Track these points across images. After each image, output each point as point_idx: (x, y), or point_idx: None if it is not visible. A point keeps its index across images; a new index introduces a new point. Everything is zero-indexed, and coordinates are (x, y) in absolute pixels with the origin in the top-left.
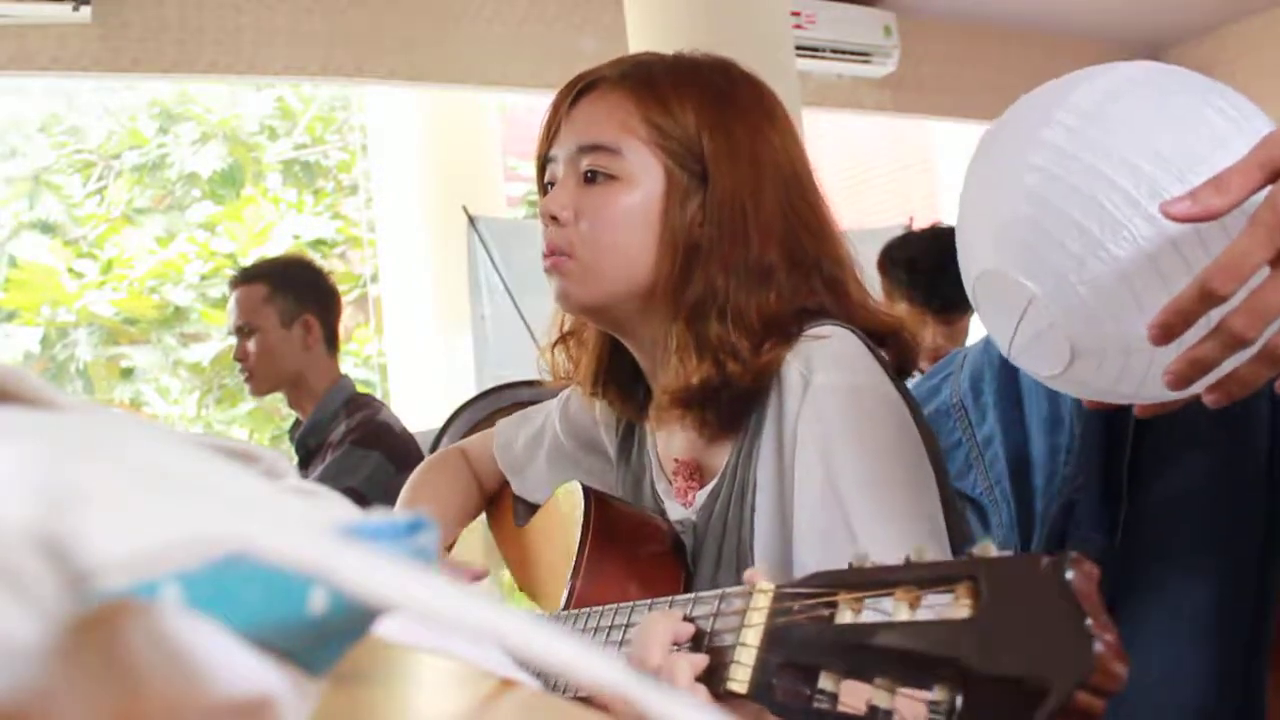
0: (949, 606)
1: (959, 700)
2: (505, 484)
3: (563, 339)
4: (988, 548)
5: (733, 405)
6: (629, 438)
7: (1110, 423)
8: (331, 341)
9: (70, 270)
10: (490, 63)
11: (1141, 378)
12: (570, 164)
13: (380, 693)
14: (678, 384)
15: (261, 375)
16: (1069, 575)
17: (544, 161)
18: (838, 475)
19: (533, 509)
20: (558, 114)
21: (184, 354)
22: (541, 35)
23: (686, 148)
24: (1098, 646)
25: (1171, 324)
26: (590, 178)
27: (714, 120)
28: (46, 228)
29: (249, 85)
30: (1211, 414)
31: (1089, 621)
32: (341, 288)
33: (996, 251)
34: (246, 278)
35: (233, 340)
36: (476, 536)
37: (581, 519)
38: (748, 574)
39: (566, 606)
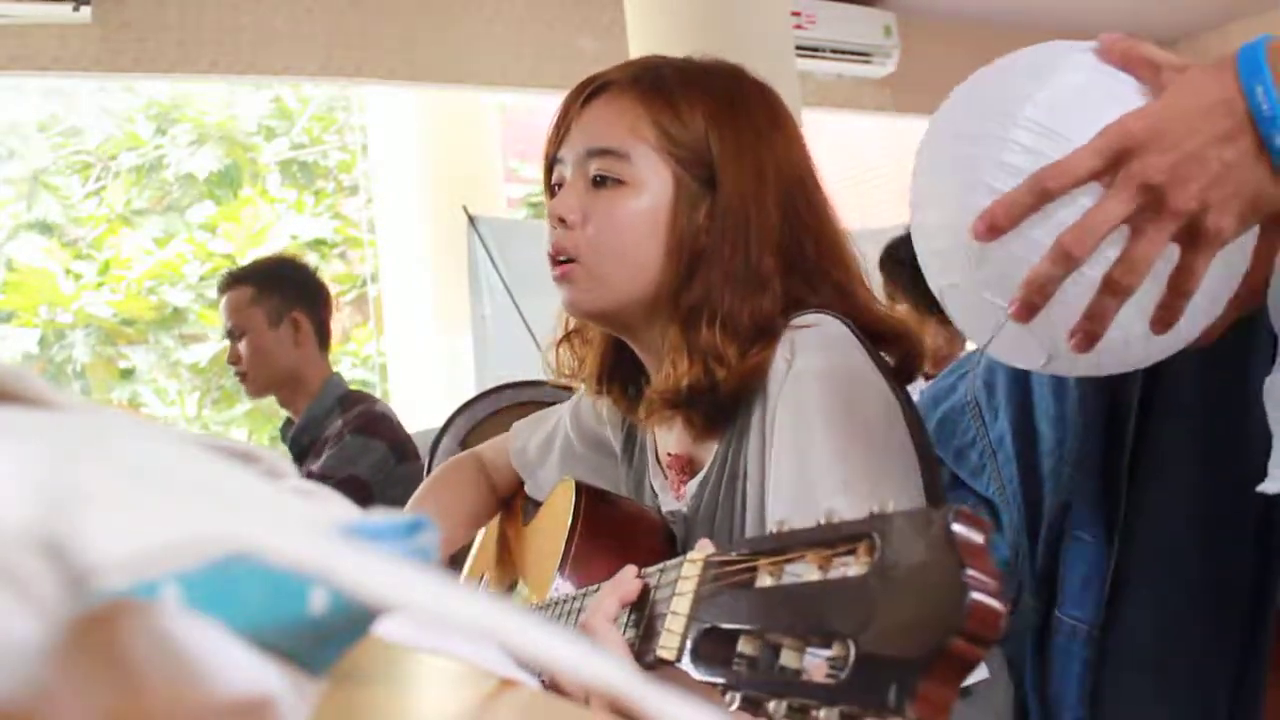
0: (850, 565)
1: (851, 654)
2: (519, 486)
3: (567, 337)
4: (887, 503)
5: (719, 405)
6: (631, 437)
7: (1110, 423)
8: (323, 338)
9: (68, 271)
10: (490, 63)
11: (1120, 359)
12: (579, 167)
13: (380, 693)
14: (667, 385)
15: (256, 377)
16: (954, 527)
17: (551, 162)
18: (809, 458)
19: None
20: (567, 115)
21: (182, 355)
22: (541, 35)
23: (695, 154)
24: (973, 595)
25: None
26: (599, 182)
27: (722, 126)
28: (45, 229)
29: (249, 85)
30: (1212, 414)
31: (968, 571)
32: (341, 288)
33: (965, 267)
34: (233, 281)
35: (229, 342)
36: (491, 539)
37: (570, 513)
38: (699, 544)
39: (551, 597)
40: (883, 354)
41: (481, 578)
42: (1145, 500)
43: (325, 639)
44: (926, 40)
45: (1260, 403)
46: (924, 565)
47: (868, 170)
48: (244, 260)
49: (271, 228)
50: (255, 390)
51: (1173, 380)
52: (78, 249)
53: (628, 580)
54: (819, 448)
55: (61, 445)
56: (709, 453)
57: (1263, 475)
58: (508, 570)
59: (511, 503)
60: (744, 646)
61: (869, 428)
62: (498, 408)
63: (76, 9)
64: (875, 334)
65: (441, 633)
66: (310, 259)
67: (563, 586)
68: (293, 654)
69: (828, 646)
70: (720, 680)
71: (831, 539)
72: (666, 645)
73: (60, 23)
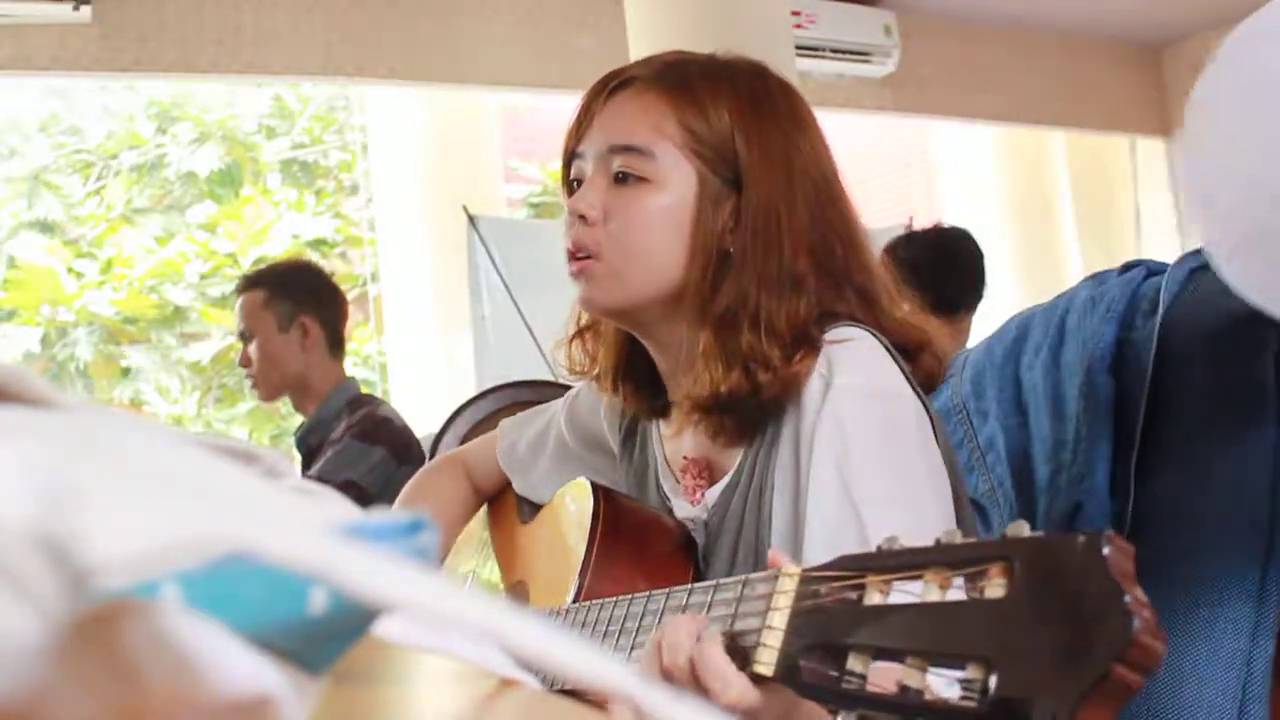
0: (982, 586)
1: (994, 678)
2: (507, 485)
3: (580, 333)
4: (1020, 527)
5: (756, 413)
6: (632, 434)
7: (1119, 422)
8: (335, 344)
9: (70, 270)
10: (490, 63)
11: None
12: (600, 163)
13: (380, 693)
14: (703, 391)
15: (264, 380)
16: (1106, 551)
17: (570, 157)
18: (852, 476)
19: (538, 508)
20: (589, 110)
21: (183, 353)
22: (541, 35)
23: (719, 152)
24: (1137, 622)
25: None
26: (621, 178)
27: (748, 125)
28: (46, 227)
29: (249, 85)
30: (1219, 411)
31: (1128, 597)
32: (341, 287)
33: None
34: (247, 284)
35: (232, 339)
36: (474, 538)
37: (590, 515)
38: (771, 554)
39: (575, 601)
40: (902, 361)
41: (468, 576)
42: (1153, 497)
43: (325, 639)
44: (926, 40)
45: (1263, 394)
46: (1077, 589)
47: (867, 170)
48: (245, 259)
49: (272, 227)
50: (265, 394)
51: (1175, 377)
52: (79, 248)
53: (697, 618)
54: (862, 467)
55: (62, 444)
56: (730, 459)
57: (1270, 466)
58: (505, 569)
59: (497, 500)
60: (854, 664)
61: (908, 446)
62: (498, 408)
63: (76, 9)
64: (899, 344)
65: (442, 633)
66: (310, 258)
67: (589, 592)
68: (293, 654)
69: (960, 668)
70: (828, 698)
71: (955, 560)
72: (762, 660)
73: (60, 22)
